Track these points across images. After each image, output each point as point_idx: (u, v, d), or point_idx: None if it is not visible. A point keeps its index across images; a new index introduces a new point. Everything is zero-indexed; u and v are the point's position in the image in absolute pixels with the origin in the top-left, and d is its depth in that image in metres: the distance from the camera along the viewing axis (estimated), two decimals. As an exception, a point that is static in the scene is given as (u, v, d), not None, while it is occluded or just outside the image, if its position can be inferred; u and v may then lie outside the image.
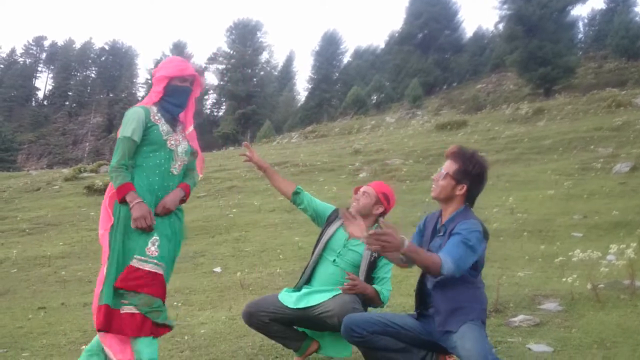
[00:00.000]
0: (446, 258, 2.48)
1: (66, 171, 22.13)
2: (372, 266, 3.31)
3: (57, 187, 17.81)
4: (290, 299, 3.33)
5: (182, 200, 3.15)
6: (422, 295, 2.85)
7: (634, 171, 12.09)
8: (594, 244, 6.53)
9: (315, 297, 3.27)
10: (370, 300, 3.25)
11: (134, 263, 2.91)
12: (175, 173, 3.11)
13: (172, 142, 3.10)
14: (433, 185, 2.83)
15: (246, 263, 7.87)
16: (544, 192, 10.63)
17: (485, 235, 2.67)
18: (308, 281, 3.44)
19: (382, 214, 3.41)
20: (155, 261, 2.95)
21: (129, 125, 3.01)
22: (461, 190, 2.73)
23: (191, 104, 3.29)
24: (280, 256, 8.01)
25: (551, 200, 10.10)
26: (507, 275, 5.59)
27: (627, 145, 14.65)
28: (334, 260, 3.38)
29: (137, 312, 2.87)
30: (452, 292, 2.66)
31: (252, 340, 4.12)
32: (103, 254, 3.02)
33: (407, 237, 2.41)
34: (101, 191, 15.54)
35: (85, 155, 63.47)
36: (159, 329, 2.96)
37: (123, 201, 2.93)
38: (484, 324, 2.69)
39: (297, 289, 3.43)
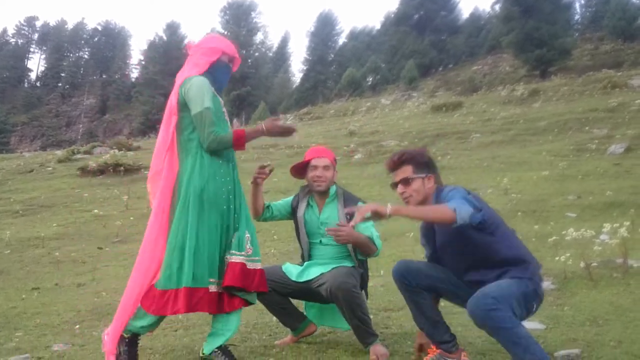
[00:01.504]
0: (455, 203, 2.51)
1: (59, 153, 21.99)
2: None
3: (50, 168, 17.70)
4: (294, 271, 3.35)
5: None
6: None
7: (628, 152, 12.11)
8: (588, 223, 6.55)
9: (315, 270, 3.28)
10: (364, 247, 3.22)
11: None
12: None
13: (226, 113, 3.14)
14: (405, 200, 2.82)
15: (240, 244, 7.86)
16: (539, 173, 10.63)
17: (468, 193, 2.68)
18: (309, 256, 3.46)
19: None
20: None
21: (205, 96, 2.91)
22: (430, 181, 2.81)
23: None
24: (275, 237, 8.01)
25: (546, 181, 10.11)
26: (500, 255, 5.59)
27: (622, 126, 14.65)
28: (320, 241, 3.38)
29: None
30: (485, 269, 2.68)
31: (245, 318, 4.12)
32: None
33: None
34: (94, 173, 15.47)
35: (79, 137, 63.08)
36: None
37: (249, 141, 2.96)
38: (531, 280, 2.64)
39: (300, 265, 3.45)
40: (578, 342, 3.15)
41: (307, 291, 3.30)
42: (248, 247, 2.99)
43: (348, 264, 3.28)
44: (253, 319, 4.12)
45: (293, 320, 3.43)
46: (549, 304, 3.94)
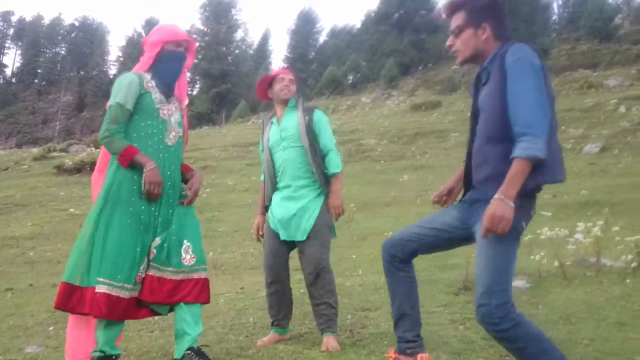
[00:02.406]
0: (526, 146, 2.00)
1: (35, 150, 21.67)
2: (311, 132, 3.42)
3: (25, 166, 17.43)
4: (273, 221, 3.47)
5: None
6: (468, 176, 2.44)
7: (603, 152, 12.32)
8: (562, 222, 6.65)
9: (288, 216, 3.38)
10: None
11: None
12: (170, 144, 2.91)
13: (165, 112, 2.92)
14: (455, 53, 2.39)
15: (219, 243, 7.84)
16: (516, 172, 10.77)
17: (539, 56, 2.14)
18: (274, 182, 3.52)
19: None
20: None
21: (121, 92, 2.83)
22: (484, 33, 2.26)
23: (183, 75, 3.14)
24: (254, 236, 7.98)
25: (522, 180, 10.24)
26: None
27: (598, 126, 14.91)
28: (283, 147, 3.46)
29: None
30: (504, 148, 2.12)
31: (222, 319, 4.11)
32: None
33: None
34: (71, 171, 15.28)
35: (56, 134, 62.12)
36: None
37: (131, 164, 2.76)
38: (528, 198, 2.20)
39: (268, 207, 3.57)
40: (551, 340, 3.19)
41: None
42: (189, 257, 2.87)
43: (309, 179, 3.40)
44: (230, 320, 4.10)
45: (286, 316, 3.49)
46: (524, 303, 3.99)
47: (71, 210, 10.79)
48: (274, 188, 3.52)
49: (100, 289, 2.69)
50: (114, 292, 2.69)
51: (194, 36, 61.98)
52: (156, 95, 2.92)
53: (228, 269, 6.19)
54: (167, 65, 2.98)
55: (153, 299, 2.78)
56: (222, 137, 23.97)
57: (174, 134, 2.95)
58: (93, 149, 18.78)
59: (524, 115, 2.04)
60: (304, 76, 58.35)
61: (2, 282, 6.52)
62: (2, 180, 15.80)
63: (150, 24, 66.24)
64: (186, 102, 3.18)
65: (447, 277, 4.76)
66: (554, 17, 50.72)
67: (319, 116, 3.51)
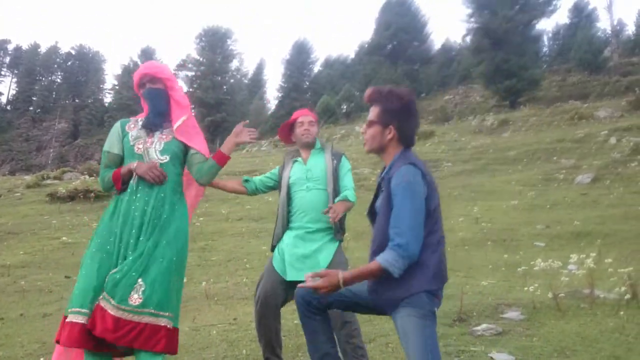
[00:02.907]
0: (386, 256, 2.24)
1: (29, 178, 21.57)
2: (336, 176, 3.47)
3: (18, 194, 17.33)
4: (280, 265, 3.37)
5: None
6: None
7: (595, 182, 12.42)
8: (556, 253, 6.68)
9: (298, 262, 3.31)
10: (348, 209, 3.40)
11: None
12: None
13: (140, 146, 3.01)
14: (364, 140, 2.60)
15: (212, 272, 7.79)
16: (508, 202, 10.83)
17: (422, 176, 2.38)
18: (288, 220, 3.47)
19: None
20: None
21: (107, 140, 3.11)
22: (390, 134, 2.47)
23: (174, 102, 3.18)
24: (247, 265, 7.95)
25: (515, 210, 10.30)
26: (470, 284, 5.66)
27: (589, 157, 15.05)
28: (307, 187, 3.45)
29: None
30: None
31: (215, 351, 4.07)
32: None
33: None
34: (64, 199, 15.20)
35: (50, 161, 61.98)
36: None
37: (124, 182, 2.94)
38: (433, 296, 2.35)
39: (276, 246, 3.49)
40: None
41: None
42: (136, 297, 2.71)
43: (325, 224, 3.38)
44: (222, 351, 4.06)
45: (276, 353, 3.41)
46: (519, 335, 3.98)
47: (64, 238, 10.71)
48: (286, 227, 3.47)
49: (69, 318, 2.71)
50: (71, 319, 2.69)
51: (190, 65, 62.68)
52: (133, 133, 3.07)
53: (221, 299, 6.13)
54: (149, 104, 3.15)
55: (99, 332, 2.64)
56: (216, 165, 23.96)
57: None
58: (87, 176, 18.76)
59: (398, 234, 2.26)
60: (298, 105, 58.79)
61: (-8, 312, 6.43)
62: (-6, 207, 15.70)
63: (146, 53, 66.89)
64: (179, 122, 3.15)
65: (441, 309, 4.71)
66: (545, 48, 51.66)
67: (345, 162, 3.58)
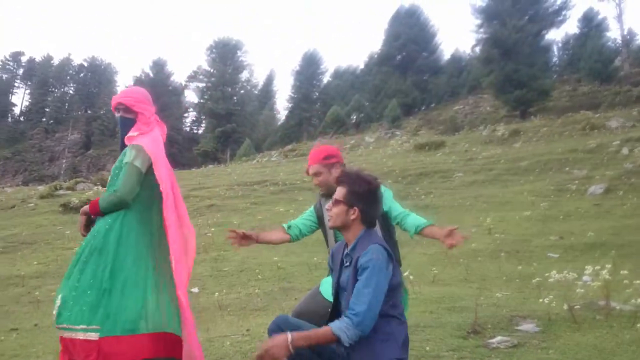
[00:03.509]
0: (341, 325, 2.36)
1: (42, 188, 21.79)
2: (385, 218, 3.28)
3: (32, 204, 17.49)
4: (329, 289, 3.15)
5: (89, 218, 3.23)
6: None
7: (607, 193, 12.33)
8: (570, 264, 6.63)
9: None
10: None
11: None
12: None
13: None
14: (329, 216, 2.73)
15: (225, 283, 7.81)
16: (521, 213, 10.77)
17: (389, 258, 2.53)
18: None
19: (338, 163, 3.41)
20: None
21: None
22: (354, 214, 2.63)
23: (131, 130, 3.29)
24: (259, 276, 7.96)
25: (528, 221, 10.24)
26: (485, 296, 5.63)
27: (601, 167, 14.95)
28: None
29: None
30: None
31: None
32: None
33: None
34: (77, 209, 15.30)
35: (62, 172, 62.50)
36: None
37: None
38: None
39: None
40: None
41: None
42: (54, 311, 3.01)
43: None
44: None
45: None
46: (534, 347, 3.95)
47: (77, 249, 10.79)
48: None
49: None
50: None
51: (200, 76, 63.03)
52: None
53: (234, 310, 6.15)
54: (120, 130, 3.34)
55: None
56: (228, 175, 24.09)
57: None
58: (100, 187, 18.91)
59: (357, 304, 2.39)
60: (308, 116, 59.01)
61: (7, 322, 6.49)
62: (8, 218, 15.85)
63: (157, 65, 67.47)
64: (132, 133, 3.26)
65: (455, 321, 4.72)
66: (555, 58, 51.50)
67: (385, 193, 3.31)
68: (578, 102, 36.90)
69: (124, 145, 3.24)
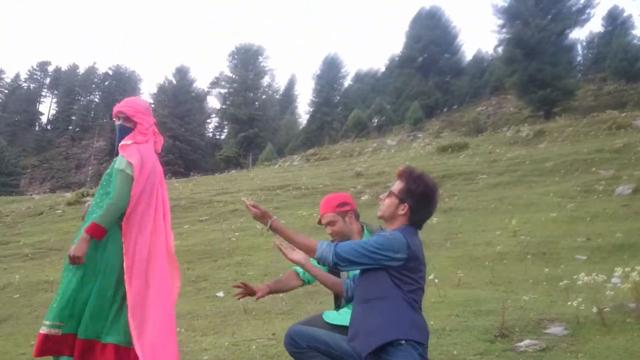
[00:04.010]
0: (322, 244, 2.61)
1: (69, 195, 22.19)
2: None
3: (59, 211, 17.83)
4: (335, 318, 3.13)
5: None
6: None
7: (636, 193, 12.07)
8: (598, 266, 6.52)
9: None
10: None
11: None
12: (88, 208, 3.43)
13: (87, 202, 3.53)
14: (381, 205, 2.82)
15: (249, 287, 7.83)
16: (547, 215, 10.61)
17: (406, 247, 2.55)
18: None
19: (351, 210, 3.32)
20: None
21: None
22: (403, 210, 2.69)
23: (135, 137, 3.53)
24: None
25: (554, 223, 10.09)
26: (511, 299, 5.56)
27: (629, 167, 14.65)
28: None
29: None
30: (370, 308, 2.55)
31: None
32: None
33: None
34: (104, 215, 15.57)
35: (88, 179, 63.57)
36: None
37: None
38: (419, 344, 2.48)
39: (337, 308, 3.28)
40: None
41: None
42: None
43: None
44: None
45: None
46: (563, 351, 3.90)
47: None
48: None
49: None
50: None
51: (222, 82, 63.53)
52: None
53: (259, 314, 6.18)
54: (117, 137, 3.64)
55: None
56: (250, 180, 24.23)
57: (86, 205, 3.47)
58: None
59: (343, 244, 2.66)
60: (329, 119, 59.06)
61: (37, 326, 6.55)
62: (36, 224, 16.17)
63: (180, 72, 68.24)
64: (125, 142, 3.51)
65: (482, 324, 4.68)
66: (579, 58, 50.80)
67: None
68: (603, 101, 36.31)
69: (117, 153, 3.44)
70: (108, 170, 3.39)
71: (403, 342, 2.42)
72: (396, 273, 2.54)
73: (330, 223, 3.23)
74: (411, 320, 2.50)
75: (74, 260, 3.11)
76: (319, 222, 3.33)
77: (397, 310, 2.49)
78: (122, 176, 3.25)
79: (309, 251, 2.63)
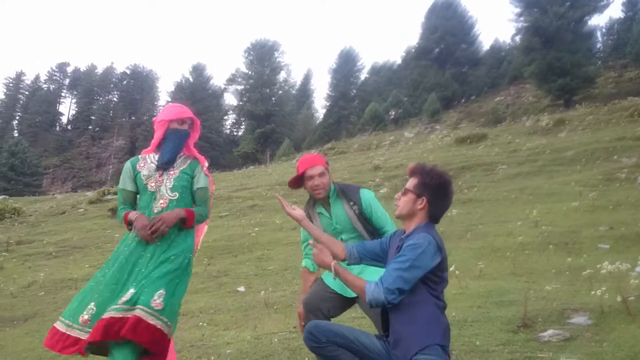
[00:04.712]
0: (371, 285, 2.51)
1: (90, 194, 22.48)
2: (366, 220, 3.37)
3: (82, 210, 18.08)
4: (333, 282, 3.36)
5: (183, 222, 3.24)
6: (385, 318, 2.75)
7: (659, 181, 11.88)
8: (622, 255, 6.43)
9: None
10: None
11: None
12: (157, 211, 3.25)
13: (153, 184, 3.31)
14: (397, 204, 2.78)
15: (270, 282, 7.89)
16: (569, 204, 10.48)
17: (438, 249, 2.56)
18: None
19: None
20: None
21: (121, 178, 3.43)
22: (421, 204, 2.69)
23: (190, 147, 3.47)
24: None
25: (576, 212, 9.96)
26: (534, 290, 5.51)
27: (652, 154, 14.41)
28: (341, 239, 3.37)
29: None
30: (406, 314, 2.55)
31: (278, 358, 4.12)
32: None
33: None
34: (125, 213, 15.76)
35: (109, 177, 64.34)
36: None
37: (130, 226, 3.25)
38: (445, 348, 2.54)
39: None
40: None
41: (349, 303, 3.38)
42: (158, 302, 2.96)
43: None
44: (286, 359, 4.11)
45: None
46: (587, 340, 3.85)
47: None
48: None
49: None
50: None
51: (239, 79, 63.78)
52: (144, 172, 3.36)
53: (280, 308, 6.21)
54: (170, 142, 3.39)
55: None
56: (268, 176, 24.31)
57: (162, 201, 3.27)
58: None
59: (386, 280, 2.51)
60: (346, 113, 58.94)
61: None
62: (59, 223, 16.43)
63: (197, 69, 68.59)
64: (206, 163, 3.53)
65: (504, 315, 4.64)
66: (598, 44, 49.94)
67: (365, 199, 3.40)
68: (624, 88, 35.66)
69: (176, 155, 3.38)
70: (182, 175, 3.35)
71: (436, 346, 2.48)
72: (430, 275, 2.55)
73: (322, 174, 3.38)
74: (444, 325, 2.57)
75: (157, 229, 3.11)
76: (304, 175, 3.39)
77: (432, 317, 2.54)
78: (207, 195, 3.44)
79: (361, 293, 2.54)
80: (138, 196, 3.37)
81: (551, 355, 3.60)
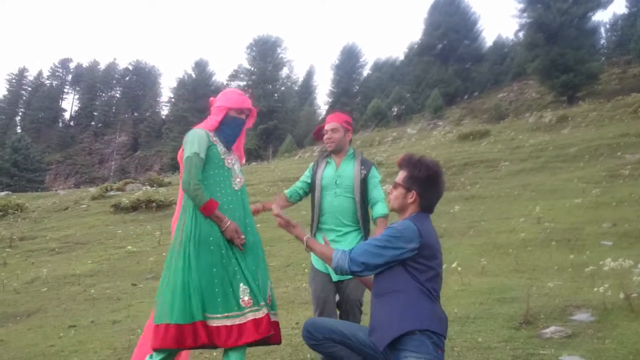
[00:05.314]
0: (338, 252, 2.65)
1: (93, 190, 22.51)
2: (364, 185, 3.60)
3: (84, 206, 18.11)
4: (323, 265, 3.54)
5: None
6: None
7: (663, 177, 11.84)
8: (625, 252, 6.41)
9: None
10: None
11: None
12: (237, 189, 3.18)
13: (229, 161, 3.22)
14: (388, 198, 2.84)
15: (272, 278, 7.83)
16: (571, 201, 10.46)
17: (417, 235, 2.54)
18: (318, 221, 3.65)
19: (351, 132, 3.80)
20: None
21: (195, 144, 3.11)
22: (412, 198, 2.69)
23: (243, 135, 3.42)
24: (306, 270, 8.00)
25: (579, 209, 9.93)
26: (536, 286, 5.50)
27: (656, 151, 14.37)
28: (335, 193, 3.60)
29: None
30: (387, 300, 2.57)
31: (280, 355, 4.13)
32: None
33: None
34: (127, 209, 15.77)
35: (112, 173, 64.49)
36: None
37: (210, 217, 3.00)
38: (437, 335, 2.50)
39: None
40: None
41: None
42: (270, 295, 3.17)
43: (354, 227, 3.60)
44: (287, 356, 4.12)
45: None
46: (590, 337, 3.85)
47: (129, 247, 11.10)
48: (317, 227, 3.65)
49: (214, 322, 2.88)
50: (227, 323, 2.89)
51: (241, 75, 63.74)
52: (220, 147, 3.21)
53: (282, 304, 6.20)
54: (228, 129, 3.29)
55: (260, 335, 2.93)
56: (271, 172, 24.31)
57: (238, 180, 3.22)
58: (148, 187, 19.36)
59: (355, 253, 2.63)
60: (348, 109, 58.87)
61: (65, 319, 6.74)
62: (62, 219, 16.45)
63: (199, 66, 68.57)
64: (244, 160, 3.47)
65: (506, 312, 4.64)
66: (602, 41, 49.69)
67: (374, 172, 3.68)
68: (628, 84, 35.49)
69: (233, 143, 3.33)
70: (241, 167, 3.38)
71: (417, 332, 2.44)
72: (412, 263, 2.54)
73: (334, 130, 3.69)
74: (427, 311, 2.51)
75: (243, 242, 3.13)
76: (322, 128, 3.76)
77: (412, 302, 2.51)
78: None
79: (327, 260, 2.70)
80: (206, 167, 3.13)
81: (553, 352, 3.59)
